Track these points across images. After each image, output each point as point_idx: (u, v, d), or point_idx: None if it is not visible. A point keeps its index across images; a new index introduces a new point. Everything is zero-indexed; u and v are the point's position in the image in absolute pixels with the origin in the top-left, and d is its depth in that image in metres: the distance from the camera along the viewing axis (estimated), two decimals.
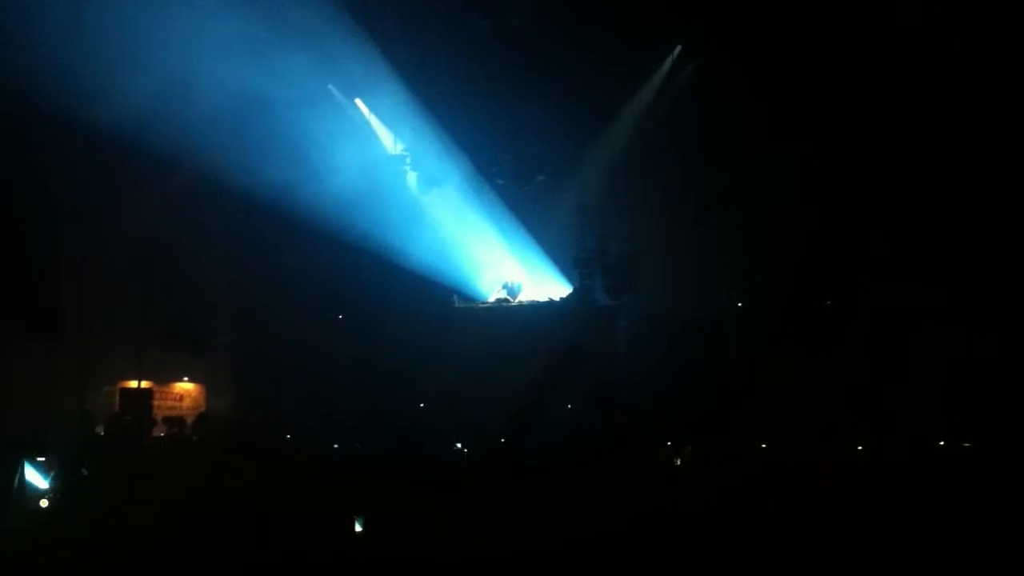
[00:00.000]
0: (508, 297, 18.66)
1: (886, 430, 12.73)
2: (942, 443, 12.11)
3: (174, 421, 15.14)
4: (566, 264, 18.12)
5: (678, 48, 17.50)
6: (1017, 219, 14.61)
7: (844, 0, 14.84)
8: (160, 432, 14.85)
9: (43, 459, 10.18)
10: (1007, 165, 14.71)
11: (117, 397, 16.68)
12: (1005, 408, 12.67)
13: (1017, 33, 14.05)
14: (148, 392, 16.83)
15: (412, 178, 18.60)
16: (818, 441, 12.06)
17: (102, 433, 14.51)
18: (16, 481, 9.72)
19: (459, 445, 12.90)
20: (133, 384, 16.76)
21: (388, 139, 18.78)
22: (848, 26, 14.87)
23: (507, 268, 18.77)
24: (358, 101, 18.45)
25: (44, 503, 10.00)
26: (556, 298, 18.34)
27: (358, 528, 9.37)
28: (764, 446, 12.06)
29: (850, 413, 13.57)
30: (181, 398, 17.42)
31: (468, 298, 18.56)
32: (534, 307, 18.38)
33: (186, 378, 17.54)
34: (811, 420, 13.13)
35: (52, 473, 10.06)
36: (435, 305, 18.10)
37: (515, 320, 18.16)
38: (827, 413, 13.57)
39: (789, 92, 15.72)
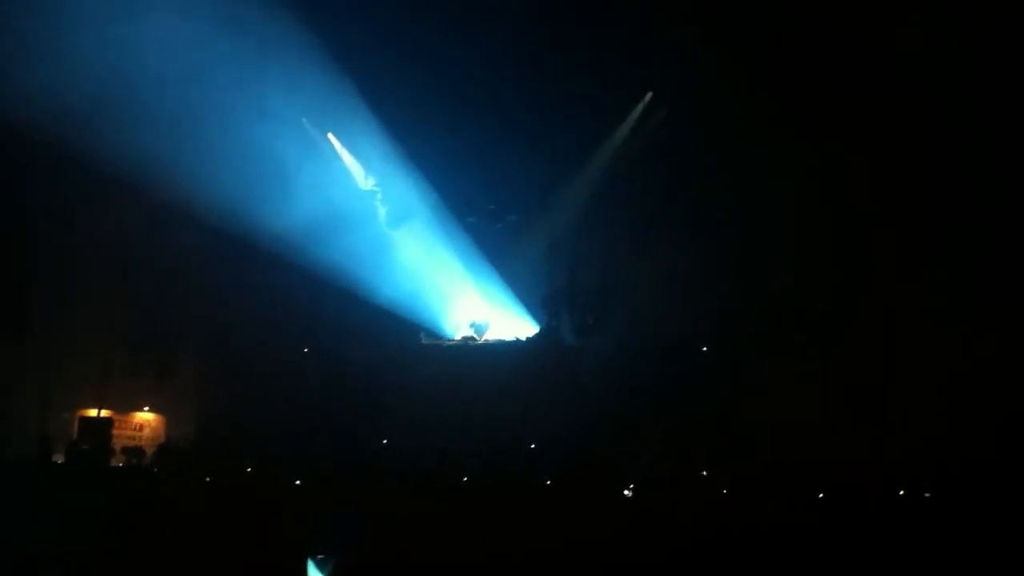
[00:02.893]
0: (475, 335, 18.64)
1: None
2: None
3: (133, 451, 14.88)
4: (534, 304, 18.18)
5: (649, 94, 17.87)
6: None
7: (821, 24, 15.16)
8: (118, 462, 14.59)
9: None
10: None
11: (76, 424, 16.38)
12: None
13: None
14: (108, 421, 16.48)
15: (383, 213, 18.64)
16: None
17: (60, 461, 14.24)
18: None
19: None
20: (93, 412, 16.47)
21: (360, 173, 18.84)
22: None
23: (475, 306, 18.78)
24: (330, 135, 18.54)
25: None
26: (522, 337, 18.36)
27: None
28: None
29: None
30: (141, 428, 17.08)
31: (435, 335, 18.52)
32: (499, 346, 18.35)
33: (146, 408, 17.24)
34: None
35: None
36: (402, 341, 18.03)
37: (480, 358, 18.12)
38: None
39: (770, 117, 15.97)
